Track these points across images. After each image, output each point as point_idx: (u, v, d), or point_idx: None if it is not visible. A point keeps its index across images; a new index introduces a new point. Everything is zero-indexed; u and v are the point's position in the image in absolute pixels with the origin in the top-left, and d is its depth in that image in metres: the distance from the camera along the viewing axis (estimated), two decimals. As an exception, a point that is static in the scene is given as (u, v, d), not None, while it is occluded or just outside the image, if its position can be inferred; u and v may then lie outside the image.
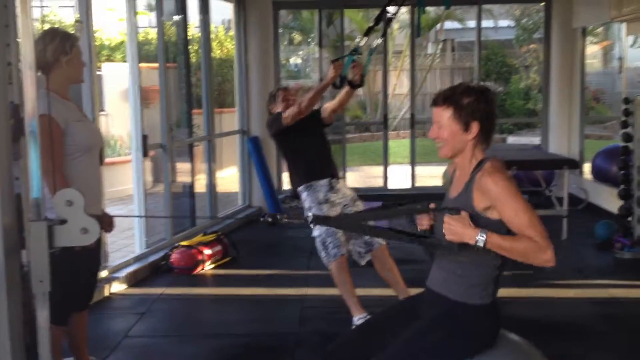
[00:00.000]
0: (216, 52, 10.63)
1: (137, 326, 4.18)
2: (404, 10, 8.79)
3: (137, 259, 5.25)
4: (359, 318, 3.88)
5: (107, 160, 8.64)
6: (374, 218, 3.10)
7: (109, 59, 11.68)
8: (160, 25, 5.76)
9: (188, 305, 4.62)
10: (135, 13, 5.31)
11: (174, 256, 5.30)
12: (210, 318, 4.35)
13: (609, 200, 6.70)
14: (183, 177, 6.86)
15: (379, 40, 4.61)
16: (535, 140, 10.34)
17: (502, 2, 14.62)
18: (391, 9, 4.51)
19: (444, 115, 2.22)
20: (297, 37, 18.25)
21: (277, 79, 7.85)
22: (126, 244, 5.94)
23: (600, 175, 7.45)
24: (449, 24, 18.10)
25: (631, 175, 5.62)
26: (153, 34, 5.97)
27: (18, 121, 1.76)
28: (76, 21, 4.55)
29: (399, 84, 16.90)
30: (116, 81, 9.51)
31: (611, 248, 5.65)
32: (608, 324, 4.15)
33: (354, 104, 16.37)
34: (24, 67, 1.75)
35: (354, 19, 15.83)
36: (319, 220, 2.30)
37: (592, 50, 15.02)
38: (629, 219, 5.63)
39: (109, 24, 12.06)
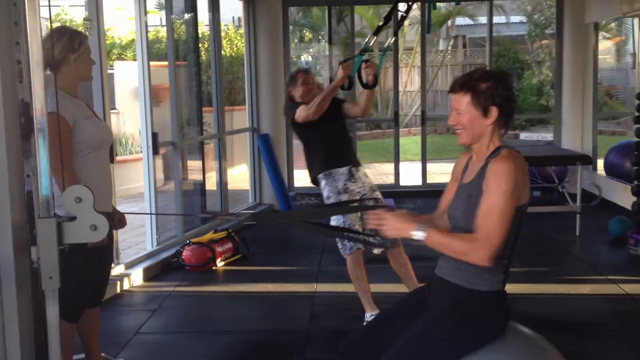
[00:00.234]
0: (226, 50, 10.65)
1: (148, 323, 4.19)
2: (415, 6, 8.75)
3: (149, 256, 5.27)
4: (371, 315, 3.87)
5: (119, 158, 8.70)
6: (318, 216, 3.10)
7: (120, 57, 11.73)
8: (170, 23, 5.77)
9: (199, 302, 4.62)
10: (145, 12, 5.32)
11: (186, 253, 5.32)
12: (221, 315, 4.35)
13: (623, 196, 6.65)
14: (194, 175, 6.87)
15: (392, 39, 4.59)
16: (548, 136, 10.28)
17: (513, -3, 14.55)
18: (401, 7, 4.50)
19: (463, 102, 2.21)
20: (308, 34, 18.25)
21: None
22: (137, 242, 5.96)
23: (613, 171, 7.39)
24: (460, 20, 18.04)
25: (645, 170, 5.56)
26: (164, 32, 5.98)
27: (28, 119, 1.77)
28: (85, 19, 4.57)
29: (410, 80, 16.86)
30: (127, 79, 9.56)
31: (625, 244, 5.60)
32: (621, 320, 4.12)
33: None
34: (32, 66, 1.76)
35: (365, 16, 15.80)
36: (261, 218, 2.30)
37: (605, 45, 14.93)
38: (643, 215, 5.58)
39: (120, 23, 12.11)
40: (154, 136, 5.32)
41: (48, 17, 2.06)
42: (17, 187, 1.77)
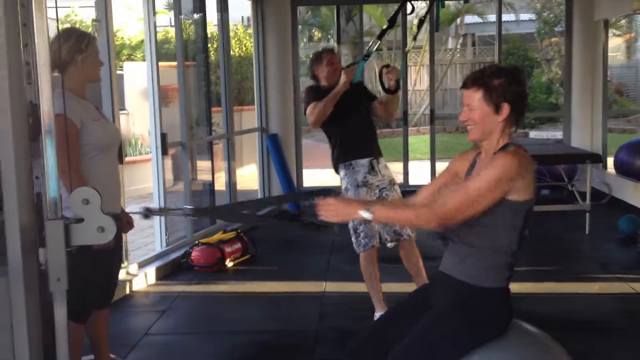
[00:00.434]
0: (235, 50, 10.67)
1: (157, 324, 4.20)
2: (423, 5, 8.73)
3: (158, 257, 5.28)
4: (380, 314, 3.86)
5: (129, 159, 8.73)
6: (258, 206, 3.11)
7: (130, 57, 11.77)
8: (179, 23, 5.78)
9: (208, 303, 4.63)
10: (154, 12, 5.33)
11: (194, 254, 5.33)
12: (230, 315, 4.36)
13: (633, 194, 6.62)
14: (203, 175, 6.89)
15: (412, 44, 4.57)
16: (558, 134, 10.24)
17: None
18: (407, 10, 4.48)
19: (474, 98, 2.21)
20: (317, 33, 18.24)
21: (296, 76, 7.84)
22: (146, 242, 5.98)
23: (623, 169, 7.35)
24: (469, 18, 17.97)
25: (655, 169, 5.53)
26: (173, 32, 6.00)
27: (37, 120, 1.78)
28: (94, 20, 4.58)
29: (419, 79, 16.82)
30: (137, 80, 9.59)
31: (635, 243, 5.57)
32: (631, 319, 4.09)
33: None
34: (40, 67, 1.76)
35: (373, 15, 15.77)
36: (199, 212, 2.31)
37: (615, 42, 14.84)
38: (653, 213, 5.55)
39: (130, 23, 12.15)
40: (163, 137, 5.33)
41: (56, 18, 2.06)
42: (25, 188, 1.78)
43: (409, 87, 10.14)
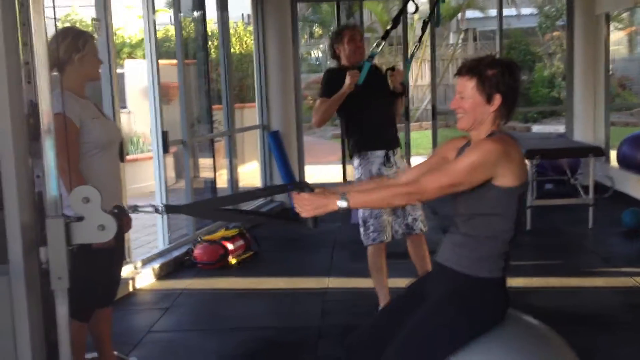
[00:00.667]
0: (236, 47, 10.66)
1: (160, 321, 4.20)
2: (424, 0, 8.70)
3: (160, 254, 5.28)
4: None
5: (130, 157, 8.74)
6: (233, 202, 3.08)
7: (131, 56, 11.77)
8: (178, 21, 5.77)
9: (211, 300, 4.63)
10: (154, 10, 5.33)
11: (197, 251, 5.33)
12: (233, 312, 4.36)
13: (636, 187, 6.61)
14: (204, 173, 6.89)
15: (416, 45, 4.53)
16: (560, 128, 10.21)
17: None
18: (411, 9, 4.45)
19: (468, 86, 2.21)
20: (318, 30, 18.23)
21: (297, 73, 7.83)
22: (149, 240, 5.98)
23: (626, 162, 7.33)
24: (470, 13, 17.95)
25: (658, 162, 5.52)
26: (173, 30, 5.99)
27: (37, 120, 1.78)
28: (93, 20, 4.58)
29: (421, 74, 16.80)
30: (138, 78, 9.58)
31: (638, 236, 5.56)
32: (634, 313, 4.09)
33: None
34: (38, 67, 1.76)
35: (374, 11, 15.75)
36: (170, 209, 2.27)
37: (617, 36, 14.80)
38: (657, 206, 5.54)
39: (130, 22, 12.15)
40: (164, 135, 5.33)
41: (54, 17, 2.06)
42: (25, 187, 1.78)
43: (411, 83, 10.15)
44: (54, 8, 1.94)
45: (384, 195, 2.23)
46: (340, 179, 8.09)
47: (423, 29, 4.61)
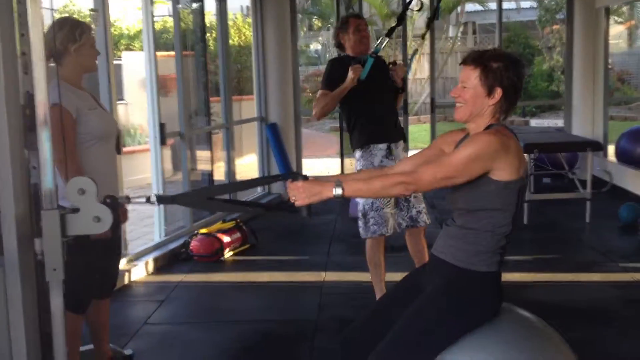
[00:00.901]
0: (234, 39, 10.63)
1: (156, 313, 4.20)
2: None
3: (157, 246, 5.28)
4: (378, 302, 3.85)
5: (127, 149, 8.73)
6: (227, 191, 3.07)
7: (128, 47, 11.75)
8: (176, 13, 5.75)
9: (207, 293, 4.63)
10: (152, 1, 5.30)
11: (194, 244, 5.32)
12: (229, 305, 4.35)
13: (634, 182, 6.61)
14: (202, 165, 6.88)
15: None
16: (559, 122, 10.21)
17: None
18: (414, 7, 4.41)
19: (471, 75, 2.20)
20: (317, 22, 18.18)
21: (296, 65, 7.81)
22: (146, 232, 5.97)
23: (624, 157, 7.33)
24: (470, 6, 17.91)
25: (656, 156, 5.51)
26: (171, 22, 5.97)
27: (33, 111, 1.77)
28: (91, 10, 4.56)
29: (419, 68, 16.77)
30: (135, 70, 9.56)
31: (635, 231, 5.56)
32: (632, 308, 4.09)
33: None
34: (34, 57, 1.75)
35: (373, 4, 15.69)
36: (163, 199, 2.25)
37: (617, 30, 14.78)
38: (654, 201, 5.54)
39: (128, 13, 12.11)
40: (162, 127, 5.31)
41: (51, 8, 2.05)
42: (20, 179, 1.77)
43: (410, 76, 10.13)
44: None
45: (379, 184, 2.20)
46: (338, 172, 8.08)
47: (428, 26, 4.55)
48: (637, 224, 5.59)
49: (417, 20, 15.83)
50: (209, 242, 5.31)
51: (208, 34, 7.45)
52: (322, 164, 10.14)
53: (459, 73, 2.31)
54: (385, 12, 15.46)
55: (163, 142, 5.35)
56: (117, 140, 3.10)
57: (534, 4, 17.36)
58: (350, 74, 3.78)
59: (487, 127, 2.22)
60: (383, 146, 3.89)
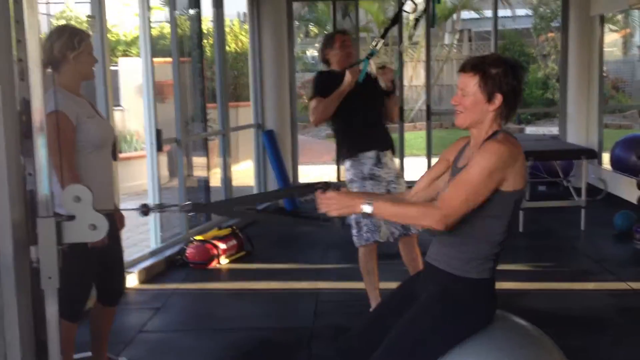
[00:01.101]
0: (231, 46, 10.64)
1: (152, 321, 4.19)
2: (420, 0, 8.69)
3: (153, 253, 5.27)
4: (373, 310, 3.85)
5: (124, 155, 8.71)
6: (260, 201, 3.08)
7: (125, 53, 11.74)
8: (173, 19, 5.76)
9: (203, 300, 4.62)
10: (149, 7, 5.31)
11: (189, 251, 5.32)
12: (225, 313, 4.35)
13: (629, 190, 6.62)
14: (198, 171, 6.87)
15: (405, 44, 4.47)
16: (554, 130, 10.24)
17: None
18: (408, 8, 4.42)
19: (470, 83, 2.19)
20: (314, 29, 18.21)
21: (292, 72, 7.83)
22: (142, 239, 5.96)
23: (619, 165, 7.36)
24: (465, 14, 17.98)
25: (651, 164, 5.53)
26: (168, 28, 5.98)
27: (30, 118, 1.76)
28: (88, 17, 4.56)
29: (415, 75, 16.80)
30: (132, 76, 9.55)
31: (631, 239, 5.57)
32: (627, 316, 4.10)
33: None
34: (30, 64, 1.75)
35: (370, 10, 15.75)
36: (197, 208, 2.23)
37: (612, 38, 14.85)
38: (649, 209, 5.55)
39: (125, 19, 12.12)
40: (158, 133, 5.31)
41: (47, 14, 2.05)
42: (16, 185, 1.77)
43: (405, 83, 10.15)
44: (47, 4, 1.93)
45: (412, 211, 2.16)
46: (334, 179, 8.08)
47: (415, 25, 4.55)
48: (632, 232, 5.60)
49: (412, 28, 15.88)
50: (205, 249, 5.30)
51: (205, 41, 7.46)
52: (318, 170, 10.15)
53: (455, 80, 2.31)
54: (381, 19, 15.50)
55: (159, 148, 5.35)
56: (113, 146, 3.11)
57: (530, 12, 17.43)
58: (349, 77, 3.79)
59: (494, 134, 2.20)
60: (372, 154, 3.89)
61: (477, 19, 17.53)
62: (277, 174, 7.35)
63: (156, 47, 7.02)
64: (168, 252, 5.36)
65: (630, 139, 7.72)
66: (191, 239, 5.48)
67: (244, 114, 8.19)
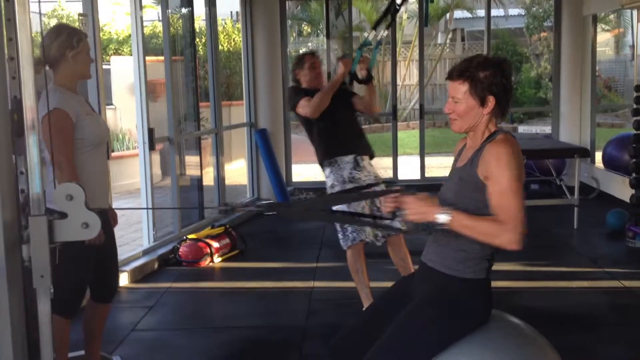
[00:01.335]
0: (224, 45, 10.62)
1: (145, 319, 4.18)
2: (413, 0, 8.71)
3: (146, 252, 5.25)
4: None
5: (116, 154, 8.68)
6: (336, 202, 3.06)
7: (117, 52, 11.71)
8: (166, 18, 5.74)
9: (196, 299, 4.61)
10: (141, 6, 5.29)
11: (182, 249, 5.30)
12: (218, 311, 4.34)
13: (621, 188, 6.65)
14: (191, 170, 6.85)
15: (385, 33, 4.48)
16: (546, 129, 10.26)
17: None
18: (398, 1, 4.43)
19: (460, 90, 2.19)
20: (306, 28, 18.19)
21: (285, 71, 7.82)
22: (134, 238, 5.95)
23: (611, 163, 7.38)
24: (458, 13, 17.97)
25: (643, 163, 5.55)
26: (161, 27, 5.96)
27: (21, 116, 1.75)
28: (80, 15, 4.54)
29: (408, 74, 16.81)
30: (124, 75, 9.53)
31: (623, 237, 5.60)
32: (620, 314, 4.11)
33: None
34: (22, 62, 1.74)
35: (363, 10, 15.74)
36: (273, 208, 2.20)
37: (604, 37, 14.90)
38: (641, 207, 5.56)
39: (117, 18, 12.08)
40: (150, 132, 5.29)
41: (39, 12, 2.04)
42: (7, 184, 1.76)
43: (398, 83, 10.15)
44: (39, 3, 1.92)
45: (489, 228, 2.08)
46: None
47: (393, 15, 4.48)
48: (624, 230, 5.62)
49: (406, 27, 15.89)
50: (198, 247, 5.29)
51: (197, 39, 7.43)
52: (311, 169, 10.14)
53: (445, 79, 2.30)
54: (374, 18, 15.50)
55: (152, 147, 5.33)
56: (106, 145, 3.10)
57: (522, 12, 17.45)
58: (341, 68, 3.85)
59: (493, 133, 2.21)
60: (349, 158, 3.94)
61: (470, 18, 17.54)
62: (270, 172, 7.34)
63: (148, 46, 7.00)
64: (161, 251, 5.35)
65: (623, 138, 7.74)
66: (184, 237, 5.47)
67: (237, 112, 8.18)
